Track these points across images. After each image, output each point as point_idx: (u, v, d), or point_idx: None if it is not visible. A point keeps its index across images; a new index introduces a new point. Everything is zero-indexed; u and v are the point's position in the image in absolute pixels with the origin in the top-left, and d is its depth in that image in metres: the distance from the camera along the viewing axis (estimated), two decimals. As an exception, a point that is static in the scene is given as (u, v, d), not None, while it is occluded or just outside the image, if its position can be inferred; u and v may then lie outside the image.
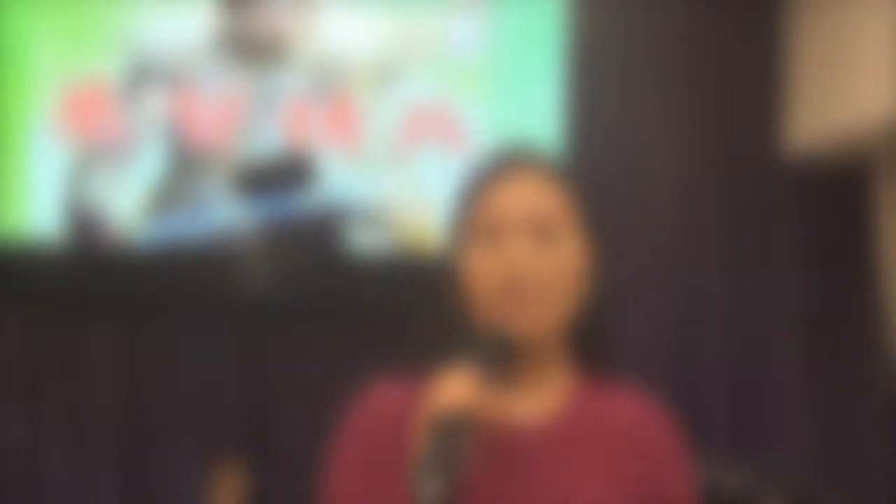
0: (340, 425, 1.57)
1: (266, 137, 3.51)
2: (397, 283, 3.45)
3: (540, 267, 1.50)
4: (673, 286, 3.67)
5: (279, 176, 3.51)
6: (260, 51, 3.52)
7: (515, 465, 1.48)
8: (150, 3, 3.48)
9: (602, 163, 3.62)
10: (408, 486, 1.36)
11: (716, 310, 3.68)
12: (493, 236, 1.51)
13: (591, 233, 1.57)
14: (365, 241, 3.51)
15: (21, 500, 3.45)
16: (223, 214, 3.49)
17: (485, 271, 1.50)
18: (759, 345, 3.69)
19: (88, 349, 3.51)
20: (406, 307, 1.63)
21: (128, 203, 3.46)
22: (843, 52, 3.44)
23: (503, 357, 1.47)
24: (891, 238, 3.67)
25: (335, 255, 3.51)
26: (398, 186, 3.49)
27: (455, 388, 1.40)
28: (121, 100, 3.47)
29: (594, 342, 1.58)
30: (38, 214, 3.44)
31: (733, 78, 3.71)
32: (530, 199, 1.53)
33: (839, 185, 3.71)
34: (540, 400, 1.54)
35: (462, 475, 1.36)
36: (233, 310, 3.56)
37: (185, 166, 3.48)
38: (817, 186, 3.70)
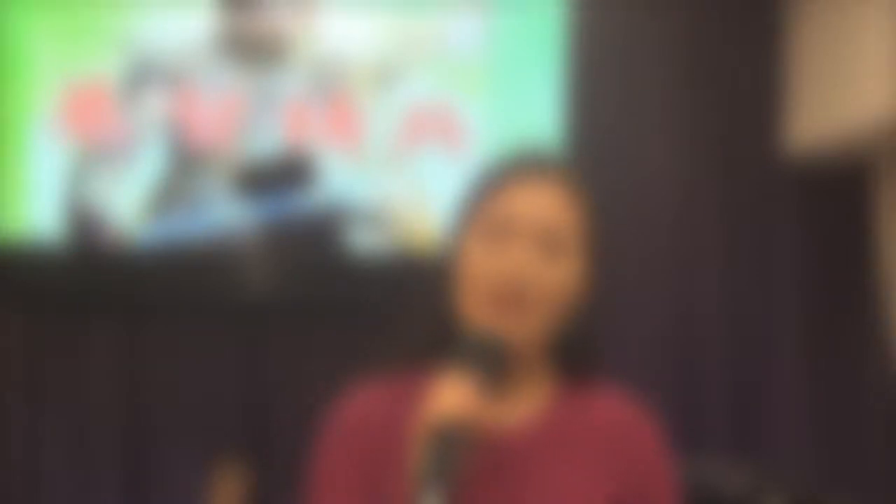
0: (324, 427, 1.56)
1: (266, 137, 3.51)
2: (397, 283, 3.45)
3: (541, 276, 1.47)
4: (673, 286, 3.67)
5: (279, 176, 3.51)
6: (260, 51, 3.52)
7: (503, 471, 1.47)
8: (150, 4, 3.48)
9: (602, 163, 3.62)
10: (408, 496, 1.36)
11: (716, 310, 3.68)
12: (499, 237, 1.49)
13: (597, 248, 1.55)
14: (365, 241, 3.50)
15: (21, 500, 3.45)
16: (223, 214, 3.49)
17: (485, 270, 1.48)
18: (759, 345, 3.69)
19: (88, 349, 3.51)
20: (411, 301, 1.62)
21: (128, 203, 3.46)
22: (843, 52, 3.44)
23: (496, 364, 1.45)
24: (891, 238, 3.67)
25: (335, 255, 3.51)
26: (398, 186, 3.49)
27: (452, 397, 1.39)
28: (121, 100, 3.47)
29: (581, 350, 1.56)
30: (38, 214, 3.44)
31: (733, 78, 3.71)
32: (543, 206, 1.50)
33: (839, 185, 3.71)
34: (524, 405, 1.53)
35: (460, 484, 1.36)
36: (233, 310, 3.56)
37: (185, 166, 3.48)
38: (817, 186, 3.70)
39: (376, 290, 3.48)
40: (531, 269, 1.47)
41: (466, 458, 1.37)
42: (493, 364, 1.44)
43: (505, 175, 1.54)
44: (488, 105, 3.55)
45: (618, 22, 3.65)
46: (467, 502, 1.41)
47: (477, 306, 1.48)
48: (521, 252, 1.48)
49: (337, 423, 1.56)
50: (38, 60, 3.44)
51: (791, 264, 3.71)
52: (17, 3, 3.43)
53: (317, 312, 3.54)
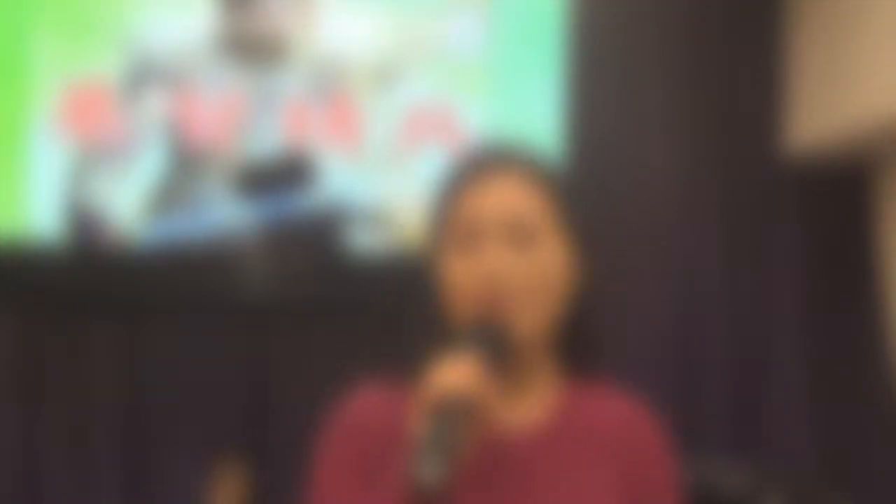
0: (326, 427, 1.56)
1: (266, 137, 3.51)
2: (397, 283, 3.45)
3: (519, 273, 1.46)
4: (673, 286, 3.67)
5: (279, 176, 3.51)
6: (260, 51, 3.52)
7: (507, 470, 1.46)
8: (150, 3, 3.48)
9: (602, 163, 3.62)
10: (406, 467, 1.33)
11: (716, 310, 3.67)
12: (470, 241, 1.48)
13: (575, 233, 1.53)
14: (365, 241, 3.50)
15: (21, 500, 3.44)
16: (223, 214, 3.49)
17: (463, 278, 1.47)
18: (759, 345, 3.69)
19: (88, 349, 3.51)
20: (406, 307, 1.62)
21: (128, 203, 3.45)
22: (844, 52, 3.44)
23: (498, 347, 1.44)
24: (891, 238, 3.67)
25: (335, 255, 3.51)
26: (398, 186, 3.49)
27: (456, 373, 1.38)
28: (121, 100, 3.47)
29: (581, 345, 1.55)
30: (38, 214, 3.44)
31: (733, 78, 3.71)
32: (508, 202, 1.49)
33: (840, 185, 3.71)
34: (528, 404, 1.52)
35: (461, 458, 1.34)
36: (233, 310, 3.56)
37: (185, 166, 3.48)
38: (817, 186, 3.70)
39: (376, 290, 3.48)
40: (507, 267, 1.46)
41: (468, 430, 1.35)
42: (495, 347, 1.43)
43: (463, 179, 1.53)
44: (488, 105, 3.55)
45: (618, 22, 3.65)
46: (469, 499, 1.41)
47: (464, 313, 1.48)
48: (494, 252, 1.47)
49: (339, 422, 1.55)
50: (38, 60, 3.44)
51: (791, 264, 3.71)
52: (17, 3, 3.43)
53: (317, 312, 3.54)
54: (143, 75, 3.47)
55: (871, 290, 3.70)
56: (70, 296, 3.52)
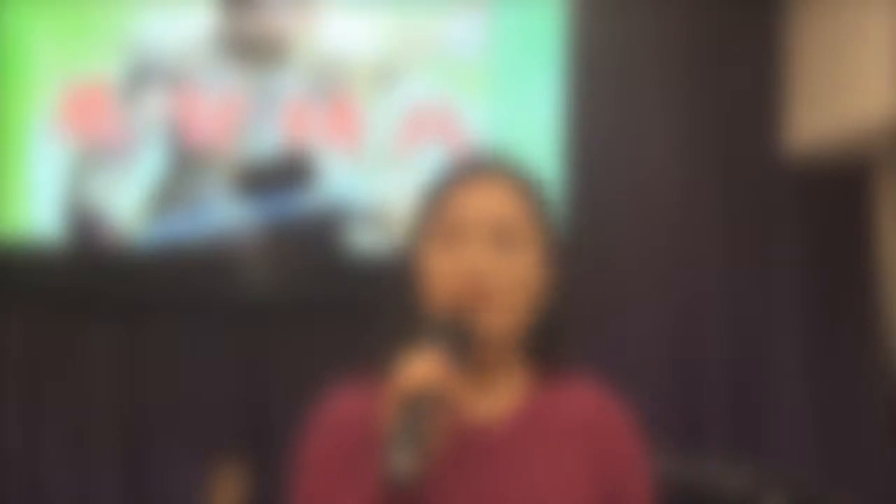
0: (307, 427, 1.59)
1: (266, 137, 3.51)
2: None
3: (498, 272, 1.51)
4: (673, 286, 3.67)
5: (279, 176, 3.51)
6: (260, 51, 3.52)
7: (479, 463, 1.50)
8: (150, 3, 3.48)
9: (602, 163, 3.62)
10: (377, 462, 1.37)
11: (716, 310, 3.68)
12: (452, 240, 1.53)
13: (553, 239, 1.59)
14: (365, 241, 3.51)
15: (21, 500, 3.45)
16: (223, 214, 3.49)
17: (443, 274, 1.52)
18: (759, 345, 3.69)
19: (88, 349, 3.51)
20: (391, 305, 1.64)
21: (128, 203, 3.46)
22: (844, 52, 3.44)
23: (463, 342, 1.48)
24: (891, 238, 3.67)
25: (335, 255, 3.51)
26: (398, 186, 3.49)
27: (423, 367, 1.42)
28: (121, 100, 3.47)
29: (552, 342, 1.60)
30: (38, 214, 3.44)
31: (733, 78, 3.72)
32: (491, 204, 1.54)
33: (839, 185, 3.71)
34: (499, 398, 1.56)
35: (432, 450, 1.37)
36: (233, 310, 3.56)
37: (185, 166, 3.48)
38: (817, 186, 3.70)
39: (376, 290, 3.47)
40: (487, 265, 1.51)
41: (437, 422, 1.39)
42: (460, 342, 1.47)
43: (452, 180, 1.59)
44: (488, 105, 3.55)
45: (617, 22, 3.65)
46: (445, 495, 1.44)
47: (442, 309, 1.51)
48: (476, 251, 1.52)
49: (319, 422, 1.59)
50: (38, 60, 3.44)
51: (791, 264, 3.71)
52: (17, 3, 3.43)
53: (317, 312, 3.54)
54: (144, 75, 3.47)
55: (871, 290, 3.71)
56: (70, 296, 3.52)
